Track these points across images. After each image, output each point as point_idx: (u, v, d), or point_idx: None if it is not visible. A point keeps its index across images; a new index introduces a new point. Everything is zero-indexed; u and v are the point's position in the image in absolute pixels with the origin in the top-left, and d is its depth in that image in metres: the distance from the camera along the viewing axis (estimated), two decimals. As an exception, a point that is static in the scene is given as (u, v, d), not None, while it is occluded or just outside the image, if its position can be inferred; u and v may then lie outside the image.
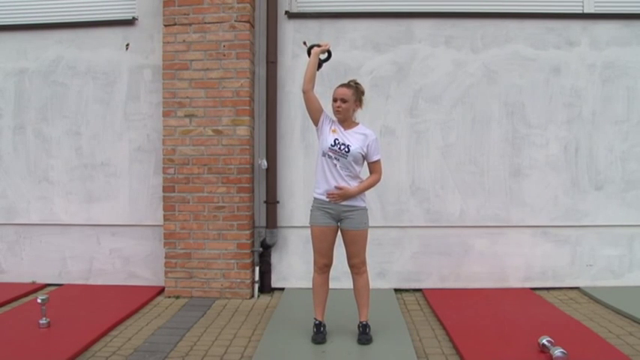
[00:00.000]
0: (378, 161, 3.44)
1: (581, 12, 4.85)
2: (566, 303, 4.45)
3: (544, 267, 4.86)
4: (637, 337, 3.59)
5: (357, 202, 3.41)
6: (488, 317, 3.96)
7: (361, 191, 3.40)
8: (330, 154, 3.37)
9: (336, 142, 3.36)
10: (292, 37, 4.88)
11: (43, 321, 3.69)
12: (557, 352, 3.03)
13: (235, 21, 4.61)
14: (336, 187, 3.35)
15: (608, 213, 4.84)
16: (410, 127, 4.87)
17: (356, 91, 3.42)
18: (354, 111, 3.45)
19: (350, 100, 3.37)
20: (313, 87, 3.43)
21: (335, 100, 3.40)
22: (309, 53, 3.49)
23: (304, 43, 4.86)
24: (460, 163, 4.86)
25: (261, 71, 4.83)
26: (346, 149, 3.34)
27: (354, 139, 3.37)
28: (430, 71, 4.85)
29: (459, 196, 4.86)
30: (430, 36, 4.85)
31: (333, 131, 3.41)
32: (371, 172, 3.47)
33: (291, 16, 4.87)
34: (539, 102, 4.84)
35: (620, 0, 4.86)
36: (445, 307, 4.19)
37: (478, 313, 4.05)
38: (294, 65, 4.86)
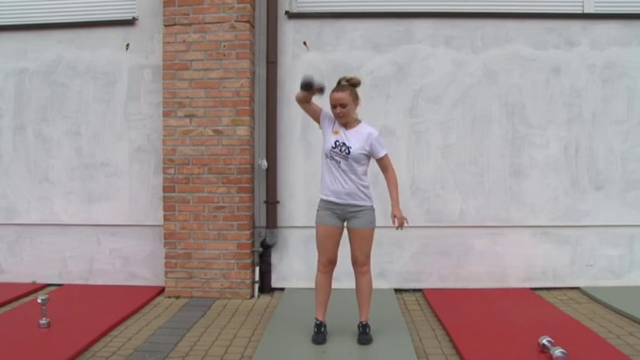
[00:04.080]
0: (385, 157, 3.41)
1: (581, 12, 4.85)
2: (566, 303, 4.45)
3: (544, 267, 4.86)
4: (637, 337, 3.59)
5: (364, 202, 3.39)
6: (489, 317, 3.95)
7: (398, 198, 3.43)
8: (333, 155, 3.36)
9: (337, 143, 3.35)
10: (292, 37, 4.87)
11: (43, 321, 3.69)
12: (557, 352, 3.03)
13: (235, 21, 4.61)
14: (396, 218, 3.34)
15: (608, 213, 4.84)
16: (410, 127, 4.87)
17: (351, 91, 3.38)
18: (354, 110, 3.43)
19: (349, 102, 3.34)
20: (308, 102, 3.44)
21: (334, 106, 3.35)
22: (302, 88, 3.33)
23: (304, 44, 4.86)
24: (460, 163, 4.86)
25: (261, 71, 4.83)
26: (347, 150, 3.33)
27: (355, 139, 3.36)
28: (430, 71, 4.85)
29: (459, 196, 4.86)
30: (430, 36, 4.85)
31: (335, 133, 3.39)
32: (382, 169, 3.45)
33: (291, 16, 4.87)
34: (539, 102, 4.84)
35: (620, 0, 4.86)
36: (445, 307, 4.19)
37: (478, 313, 4.05)
38: (294, 65, 4.86)
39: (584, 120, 4.85)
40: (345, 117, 3.37)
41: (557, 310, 4.17)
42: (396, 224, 3.36)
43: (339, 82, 3.43)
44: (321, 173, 3.48)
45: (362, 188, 3.38)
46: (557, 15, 4.82)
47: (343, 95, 3.33)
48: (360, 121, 3.46)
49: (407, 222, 3.38)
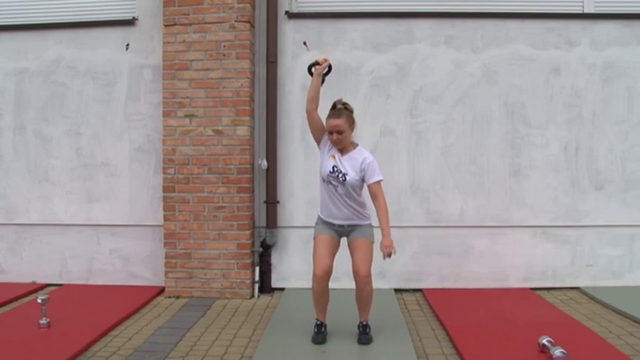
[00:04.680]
0: (377, 184, 3.32)
1: (581, 12, 4.85)
2: (566, 303, 4.45)
3: (544, 267, 4.86)
4: (637, 337, 3.59)
5: (362, 221, 3.42)
6: (488, 317, 3.95)
7: (388, 228, 3.29)
8: (330, 179, 3.35)
9: (335, 169, 3.33)
10: (292, 37, 4.87)
11: (43, 321, 3.69)
12: (557, 352, 3.03)
13: (235, 21, 4.61)
14: (384, 248, 3.24)
15: (608, 213, 4.84)
16: (410, 127, 4.87)
17: (348, 116, 3.32)
18: (350, 135, 3.38)
19: (345, 128, 3.29)
20: (317, 107, 3.38)
21: (331, 133, 3.30)
22: (310, 72, 3.43)
23: (304, 44, 4.86)
24: (460, 163, 4.86)
25: (261, 71, 4.83)
26: (343, 177, 3.31)
27: (351, 165, 3.33)
28: (430, 71, 4.85)
29: (459, 196, 4.86)
30: (430, 36, 4.85)
31: (332, 157, 3.36)
32: (372, 196, 3.34)
33: (291, 16, 4.87)
34: (539, 102, 4.84)
35: (620, 0, 4.86)
36: (445, 307, 4.19)
37: (478, 313, 4.05)
38: (294, 65, 4.86)
39: (584, 120, 4.85)
40: (341, 143, 3.33)
41: (557, 310, 4.17)
42: (384, 253, 3.25)
43: (334, 106, 3.38)
44: (320, 194, 3.47)
45: (360, 209, 3.40)
46: (557, 15, 4.82)
47: (339, 122, 3.27)
48: (356, 145, 3.42)
49: (395, 252, 3.28)
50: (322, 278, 3.35)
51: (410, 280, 4.88)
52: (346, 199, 3.35)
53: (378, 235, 3.38)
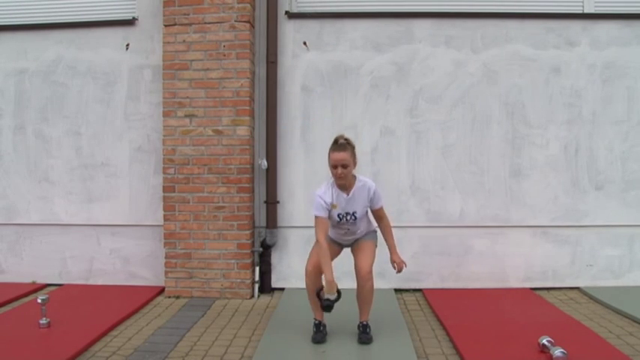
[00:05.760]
0: (382, 208, 3.47)
1: (581, 12, 4.85)
2: (566, 303, 4.45)
3: (544, 267, 4.86)
4: (637, 337, 3.59)
5: (365, 232, 3.55)
6: (488, 317, 3.95)
7: (394, 245, 3.53)
8: (341, 225, 3.45)
9: (340, 216, 3.39)
10: (292, 37, 4.87)
11: (43, 321, 3.69)
12: (557, 352, 3.03)
13: (235, 21, 4.61)
14: (395, 264, 3.48)
15: (608, 213, 4.84)
16: (410, 127, 4.87)
17: (351, 150, 3.33)
18: (353, 169, 3.38)
19: (350, 162, 3.29)
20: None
21: (335, 167, 3.29)
22: (317, 295, 3.41)
23: (304, 44, 4.86)
24: (460, 163, 4.86)
25: (261, 71, 4.83)
26: (353, 217, 3.39)
27: (357, 202, 3.38)
28: (430, 71, 4.85)
29: (459, 196, 4.86)
30: (430, 36, 4.85)
31: (334, 207, 3.37)
32: (377, 218, 3.51)
33: (291, 16, 4.86)
34: (539, 102, 4.84)
35: (620, 0, 4.85)
36: (445, 307, 4.19)
37: (478, 313, 4.05)
38: (294, 65, 4.86)
39: (584, 120, 4.84)
40: (345, 178, 3.32)
41: (557, 310, 4.17)
42: (397, 269, 3.48)
43: (336, 141, 3.35)
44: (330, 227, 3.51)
45: (368, 227, 3.56)
46: (557, 15, 4.82)
47: (345, 156, 3.27)
48: (355, 177, 3.43)
49: (406, 265, 3.50)
50: (312, 272, 3.45)
51: (410, 280, 4.88)
52: (357, 229, 3.49)
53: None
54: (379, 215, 3.48)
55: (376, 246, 3.52)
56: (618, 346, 3.38)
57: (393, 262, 3.48)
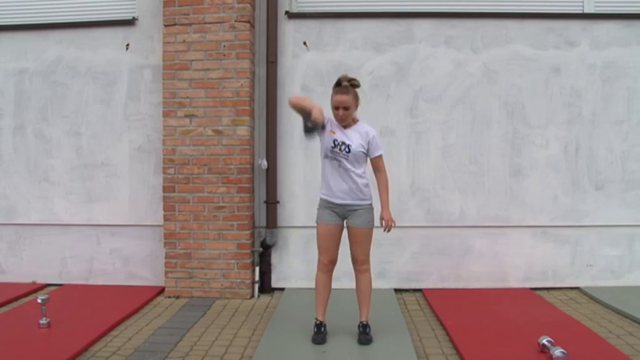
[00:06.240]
0: (380, 157, 3.42)
1: (581, 12, 4.85)
2: (566, 303, 4.45)
3: (544, 267, 4.86)
4: (637, 337, 3.59)
5: (363, 201, 3.41)
6: (489, 317, 3.96)
7: (388, 201, 3.42)
8: (333, 155, 3.36)
9: (336, 142, 3.35)
10: (292, 37, 4.87)
11: (43, 321, 3.69)
12: (557, 352, 3.03)
13: (235, 21, 4.61)
14: (384, 220, 3.37)
15: (608, 213, 4.84)
16: (410, 127, 4.87)
17: (354, 93, 3.38)
18: (355, 111, 3.43)
19: (351, 104, 3.34)
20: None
21: (337, 108, 3.34)
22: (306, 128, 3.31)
23: (304, 44, 4.86)
24: (460, 163, 4.86)
25: (261, 71, 4.83)
26: (347, 149, 3.33)
27: (354, 137, 3.37)
28: (430, 71, 4.85)
29: (459, 196, 4.86)
30: (430, 36, 4.85)
31: (332, 132, 3.39)
32: (375, 169, 3.44)
33: (291, 16, 4.87)
34: (539, 102, 4.84)
35: (620, 0, 4.86)
36: (445, 307, 4.19)
37: (478, 313, 4.05)
38: (294, 65, 4.87)
39: (584, 120, 4.85)
40: (346, 119, 3.37)
41: (557, 310, 4.17)
42: (384, 226, 3.38)
43: (339, 82, 3.40)
44: (321, 173, 3.48)
45: (362, 187, 3.39)
46: (557, 15, 4.82)
47: (346, 98, 3.32)
48: (357, 120, 3.47)
49: (394, 225, 3.39)
50: (328, 266, 3.43)
51: (410, 280, 4.88)
52: (350, 173, 3.35)
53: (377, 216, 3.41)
54: (377, 165, 3.42)
55: (372, 228, 3.42)
56: (618, 346, 3.38)
57: (381, 218, 3.40)
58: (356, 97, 3.39)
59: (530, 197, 4.85)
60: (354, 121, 3.45)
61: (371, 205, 3.45)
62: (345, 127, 3.41)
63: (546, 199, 4.85)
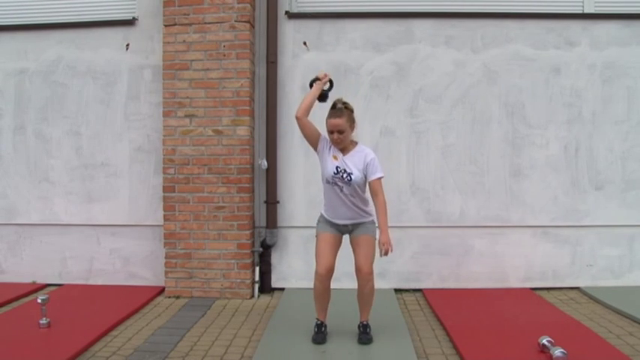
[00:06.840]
0: (378, 180, 3.32)
1: (581, 12, 4.85)
2: (566, 303, 4.45)
3: (544, 267, 4.86)
4: (637, 337, 3.59)
5: (365, 219, 3.41)
6: (488, 317, 3.96)
7: (386, 224, 3.30)
8: (335, 181, 3.34)
9: (338, 169, 3.32)
10: (292, 37, 4.87)
11: (43, 321, 3.69)
12: (557, 352, 3.03)
13: (235, 21, 4.61)
14: (382, 245, 3.24)
15: (608, 213, 4.84)
16: (410, 127, 4.87)
17: (348, 115, 3.31)
18: (351, 134, 3.37)
19: (346, 128, 3.28)
20: (307, 115, 3.36)
21: (331, 132, 3.29)
22: (311, 85, 3.41)
23: (304, 44, 4.86)
24: (460, 163, 4.86)
25: (261, 71, 4.83)
26: (349, 177, 3.30)
27: (354, 164, 3.32)
28: (430, 71, 4.85)
29: (459, 196, 4.86)
30: (430, 36, 4.85)
31: (335, 158, 3.35)
32: (372, 192, 3.33)
33: (291, 16, 4.87)
34: (539, 102, 4.84)
35: (620, 0, 4.86)
36: (445, 307, 4.19)
37: (478, 313, 4.05)
38: (294, 65, 4.87)
39: (584, 120, 4.85)
40: (342, 143, 3.33)
41: (557, 310, 4.17)
42: (382, 251, 3.24)
43: (334, 106, 3.35)
44: (324, 193, 3.46)
45: (364, 207, 3.40)
46: (557, 15, 4.82)
47: (340, 122, 3.26)
48: (356, 143, 3.43)
49: (392, 250, 3.28)
50: (324, 276, 3.37)
51: (410, 280, 4.88)
52: (352, 199, 3.35)
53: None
54: (375, 189, 3.31)
55: (375, 239, 3.39)
56: (618, 346, 3.38)
57: (379, 243, 3.25)
58: (351, 121, 3.32)
59: (530, 197, 4.85)
60: (353, 144, 3.41)
61: (373, 221, 3.44)
62: (344, 150, 3.37)
63: (546, 199, 4.85)
